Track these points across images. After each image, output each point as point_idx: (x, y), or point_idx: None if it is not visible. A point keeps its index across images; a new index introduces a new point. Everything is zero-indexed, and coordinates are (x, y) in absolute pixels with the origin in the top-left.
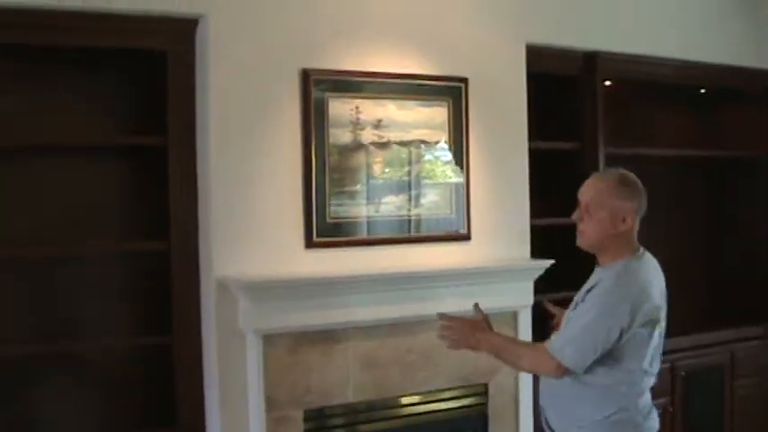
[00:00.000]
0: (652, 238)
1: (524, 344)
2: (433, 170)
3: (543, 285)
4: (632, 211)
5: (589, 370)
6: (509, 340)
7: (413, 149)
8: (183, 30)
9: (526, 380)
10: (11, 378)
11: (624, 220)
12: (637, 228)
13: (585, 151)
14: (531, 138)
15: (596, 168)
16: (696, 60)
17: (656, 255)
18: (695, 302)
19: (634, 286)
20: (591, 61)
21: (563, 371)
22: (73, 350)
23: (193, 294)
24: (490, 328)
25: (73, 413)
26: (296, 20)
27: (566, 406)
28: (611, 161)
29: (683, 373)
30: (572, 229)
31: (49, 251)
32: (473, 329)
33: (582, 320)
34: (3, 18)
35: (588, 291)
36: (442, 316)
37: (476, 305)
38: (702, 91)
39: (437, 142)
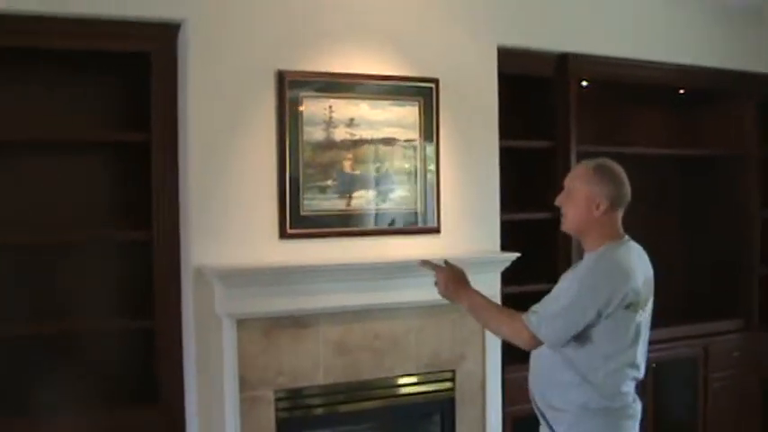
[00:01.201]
0: (629, 232)
1: (503, 310)
2: (402, 167)
3: (515, 277)
4: (605, 197)
5: (569, 352)
6: (490, 303)
7: (384, 147)
8: (166, 33)
9: (494, 367)
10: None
11: (598, 206)
12: (619, 215)
13: (558, 150)
14: (507, 136)
15: (569, 166)
16: (668, 61)
17: None
18: (670, 297)
19: (614, 269)
20: (562, 63)
21: (537, 343)
22: (61, 332)
23: (174, 281)
24: (467, 282)
25: (60, 391)
26: (272, 24)
27: (551, 389)
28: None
29: (654, 365)
30: (545, 224)
31: (39, 240)
32: (452, 279)
33: (560, 300)
34: (4, 25)
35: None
36: (424, 263)
37: (446, 261)
38: (681, 91)
39: (408, 140)
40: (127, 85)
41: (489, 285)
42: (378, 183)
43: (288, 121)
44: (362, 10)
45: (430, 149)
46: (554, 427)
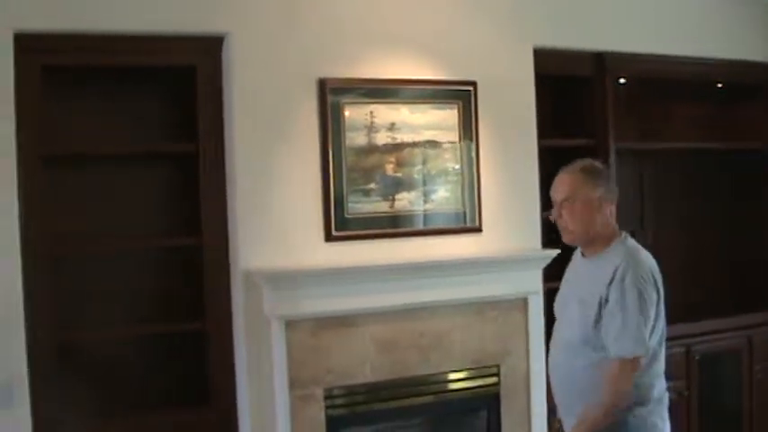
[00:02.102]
0: (672, 226)
1: (604, 385)
2: (443, 168)
3: (557, 273)
4: (604, 197)
5: (602, 355)
6: (591, 410)
7: (424, 150)
8: (211, 46)
9: (538, 362)
10: (67, 358)
11: (600, 207)
12: (613, 210)
13: (597, 147)
14: (546, 136)
15: (607, 163)
16: (706, 56)
17: (674, 242)
18: (713, 289)
19: (644, 264)
20: (599, 61)
21: (639, 363)
22: (120, 336)
23: (224, 285)
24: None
25: (117, 393)
26: (312, 33)
27: (587, 394)
28: (623, 155)
29: (697, 357)
30: None
31: (97, 248)
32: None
33: (628, 313)
34: (56, 43)
35: (609, 284)
36: None
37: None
38: (720, 86)
39: (448, 142)
40: (175, 97)
41: (531, 282)
42: (419, 184)
43: (330, 128)
44: (400, 16)
45: (470, 150)
46: None
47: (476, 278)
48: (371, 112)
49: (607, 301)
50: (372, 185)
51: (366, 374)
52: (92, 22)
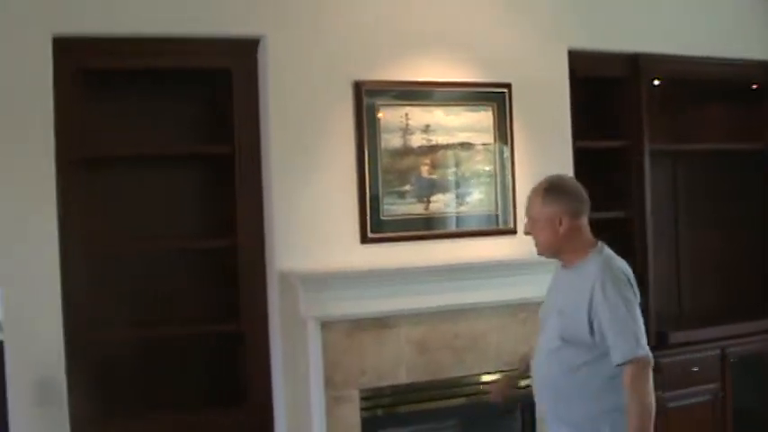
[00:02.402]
0: (705, 227)
1: (629, 398)
2: (478, 170)
3: None
4: (564, 213)
5: (596, 360)
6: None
7: (459, 151)
8: (246, 49)
9: None
10: (104, 358)
11: (560, 223)
12: (584, 222)
13: (631, 148)
14: (580, 137)
15: (642, 165)
16: (740, 57)
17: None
18: (747, 291)
19: (620, 271)
20: (634, 63)
21: (649, 361)
22: (154, 336)
23: (259, 286)
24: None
25: (152, 393)
26: (347, 36)
27: (569, 400)
28: (657, 157)
29: (733, 360)
30: (619, 223)
31: (135, 248)
32: None
33: (618, 319)
34: (92, 47)
35: (590, 299)
36: None
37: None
38: (755, 87)
39: (483, 144)
40: (211, 100)
41: None
42: (454, 186)
43: (366, 130)
44: (435, 18)
45: (505, 152)
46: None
47: (510, 280)
48: (406, 115)
49: (597, 316)
50: (407, 187)
51: (401, 376)
52: (128, 25)
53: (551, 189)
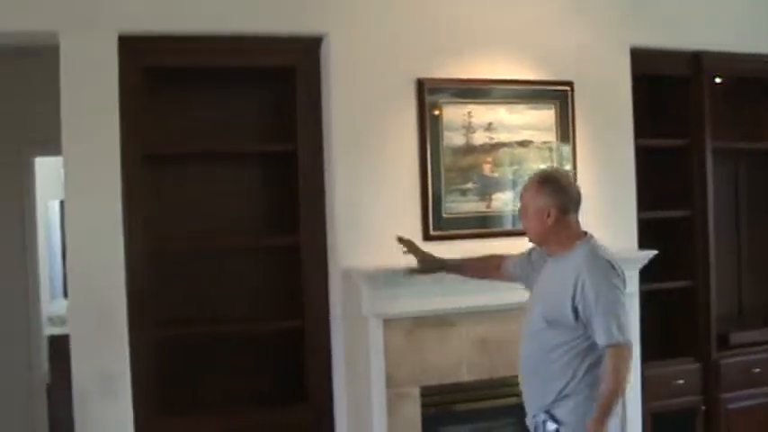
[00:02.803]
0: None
1: (606, 382)
2: (540, 168)
3: (653, 274)
4: (554, 206)
5: (579, 342)
6: (600, 406)
7: (521, 149)
8: (309, 47)
9: (633, 362)
10: (167, 354)
11: (548, 215)
12: (574, 218)
13: (693, 147)
14: (642, 135)
15: (704, 163)
16: None
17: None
18: None
19: (605, 260)
20: (696, 61)
21: (631, 347)
22: (218, 333)
23: (322, 283)
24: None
25: (214, 389)
26: (409, 34)
27: (554, 380)
28: (719, 155)
29: None
30: (681, 221)
31: (199, 245)
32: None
33: (602, 303)
34: (158, 45)
35: (575, 285)
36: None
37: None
38: None
39: (545, 142)
40: (274, 97)
41: (628, 283)
42: (516, 184)
43: (428, 128)
44: (498, 17)
45: (566, 150)
46: (557, 414)
47: None
48: (469, 113)
49: (584, 301)
50: (469, 185)
51: (462, 374)
52: (193, 23)
53: (546, 182)
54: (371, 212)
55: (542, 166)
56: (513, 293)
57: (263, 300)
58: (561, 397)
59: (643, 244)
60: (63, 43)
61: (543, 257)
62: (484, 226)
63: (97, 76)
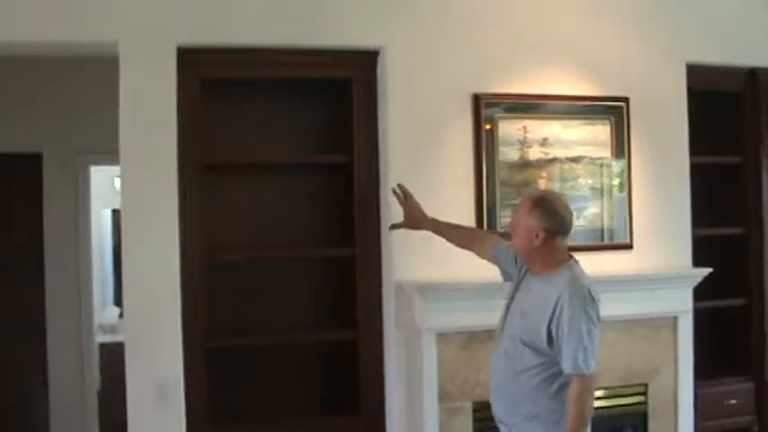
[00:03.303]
0: None
1: (570, 410)
2: (595, 184)
3: (707, 292)
4: (543, 229)
5: (551, 367)
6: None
7: (576, 165)
8: (366, 61)
9: (686, 382)
10: (219, 363)
11: (536, 236)
12: (561, 242)
13: (749, 164)
14: (697, 152)
15: (760, 181)
16: None
17: None
18: None
19: (586, 288)
20: (753, 78)
21: (592, 378)
22: (271, 342)
23: (376, 295)
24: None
25: (268, 400)
26: (465, 48)
27: (523, 401)
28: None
29: None
30: (737, 239)
31: (254, 256)
32: (419, 208)
33: (575, 333)
34: (215, 57)
35: (553, 310)
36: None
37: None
38: None
39: (599, 158)
40: (330, 109)
41: (682, 301)
42: (571, 200)
43: (484, 142)
44: (554, 32)
45: (621, 167)
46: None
47: (626, 295)
48: (524, 127)
49: (558, 327)
50: None
51: None
52: (251, 36)
53: (540, 203)
54: None
55: (607, 182)
56: None
57: (317, 310)
58: (531, 418)
59: (697, 261)
60: (122, 54)
61: (525, 269)
62: None
63: (155, 86)
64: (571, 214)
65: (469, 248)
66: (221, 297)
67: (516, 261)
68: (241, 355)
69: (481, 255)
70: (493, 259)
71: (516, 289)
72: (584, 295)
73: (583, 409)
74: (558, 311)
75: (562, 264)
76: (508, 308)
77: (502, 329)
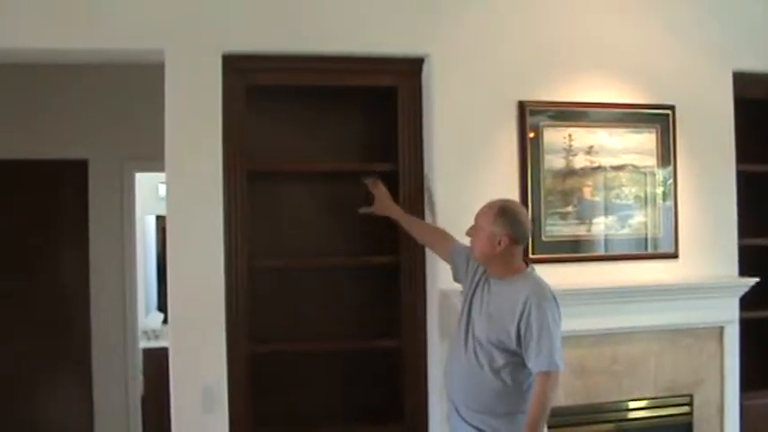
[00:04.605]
0: None
1: (532, 406)
2: (640, 193)
3: (755, 302)
4: (506, 236)
5: (515, 370)
6: (529, 429)
7: (622, 174)
8: (411, 68)
9: (732, 393)
10: (262, 369)
11: (499, 243)
12: (520, 249)
13: None
14: (745, 161)
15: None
16: None
17: None
18: None
19: (550, 293)
20: None
21: (557, 374)
22: (314, 349)
23: (420, 303)
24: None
25: (311, 407)
26: (511, 56)
27: (485, 397)
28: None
29: None
30: None
31: (299, 264)
32: (388, 195)
33: (544, 335)
34: (260, 64)
35: (522, 312)
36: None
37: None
38: None
39: (645, 167)
40: (374, 117)
41: (728, 310)
42: (617, 209)
43: (529, 150)
44: (599, 39)
45: (667, 175)
46: (485, 429)
47: (672, 305)
48: (570, 135)
49: (527, 327)
50: (569, 209)
51: (558, 398)
52: (296, 43)
53: (505, 212)
54: None
55: (653, 191)
56: (611, 318)
57: (361, 318)
58: (495, 415)
59: (744, 271)
60: (168, 61)
61: (481, 271)
62: (583, 250)
63: (201, 93)
64: (531, 223)
65: (430, 245)
66: (265, 304)
67: (468, 263)
68: (284, 362)
69: (440, 254)
70: (449, 259)
71: (473, 292)
72: (549, 299)
73: (546, 404)
74: (525, 313)
75: (523, 269)
76: (469, 310)
77: (466, 331)
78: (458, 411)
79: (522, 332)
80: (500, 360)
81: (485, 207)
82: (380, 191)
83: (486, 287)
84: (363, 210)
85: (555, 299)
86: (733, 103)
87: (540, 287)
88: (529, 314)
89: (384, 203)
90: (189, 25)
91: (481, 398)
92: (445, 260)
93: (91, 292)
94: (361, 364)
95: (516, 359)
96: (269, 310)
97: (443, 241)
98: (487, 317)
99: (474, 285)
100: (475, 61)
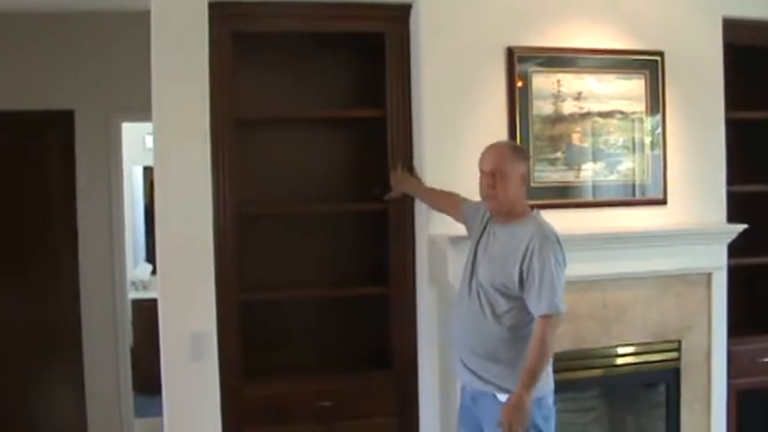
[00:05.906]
0: None
1: (532, 349)
2: (629, 139)
3: (743, 249)
4: (525, 174)
5: (518, 315)
6: (527, 373)
7: (611, 120)
8: (398, 14)
9: (719, 339)
10: (251, 317)
11: (524, 180)
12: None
13: None
14: (734, 108)
15: None
16: None
17: None
18: None
19: (554, 235)
20: None
21: (560, 319)
22: (302, 296)
23: (408, 250)
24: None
25: (301, 354)
26: (499, 2)
27: (487, 342)
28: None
29: None
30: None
31: (284, 210)
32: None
33: (546, 275)
34: (246, 10)
35: (524, 253)
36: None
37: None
38: None
39: (634, 113)
40: (362, 63)
41: (716, 257)
42: (605, 155)
43: (517, 96)
44: None
45: (656, 122)
46: (485, 375)
47: (660, 251)
48: (558, 81)
49: (529, 270)
50: (558, 155)
51: None
52: None
53: (518, 149)
54: (459, 179)
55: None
56: (600, 264)
57: (350, 264)
58: (502, 361)
59: (732, 218)
60: (154, 9)
61: (487, 218)
62: (572, 196)
63: (187, 41)
64: None
65: (444, 211)
66: (254, 252)
67: (477, 217)
68: (274, 309)
69: (454, 217)
70: (462, 218)
71: (478, 241)
72: (554, 241)
73: (545, 348)
74: (528, 255)
75: (528, 212)
76: (474, 256)
77: (471, 276)
78: (460, 357)
79: (525, 275)
80: (503, 305)
81: (495, 151)
82: (397, 173)
83: (491, 232)
84: (387, 196)
85: (559, 241)
86: (722, 49)
87: (543, 230)
88: (531, 256)
89: (398, 180)
90: None
91: (483, 343)
92: (459, 222)
93: (79, 243)
94: (351, 312)
95: (519, 304)
96: (259, 258)
97: (453, 204)
98: (491, 261)
99: (479, 233)
100: (463, 7)
